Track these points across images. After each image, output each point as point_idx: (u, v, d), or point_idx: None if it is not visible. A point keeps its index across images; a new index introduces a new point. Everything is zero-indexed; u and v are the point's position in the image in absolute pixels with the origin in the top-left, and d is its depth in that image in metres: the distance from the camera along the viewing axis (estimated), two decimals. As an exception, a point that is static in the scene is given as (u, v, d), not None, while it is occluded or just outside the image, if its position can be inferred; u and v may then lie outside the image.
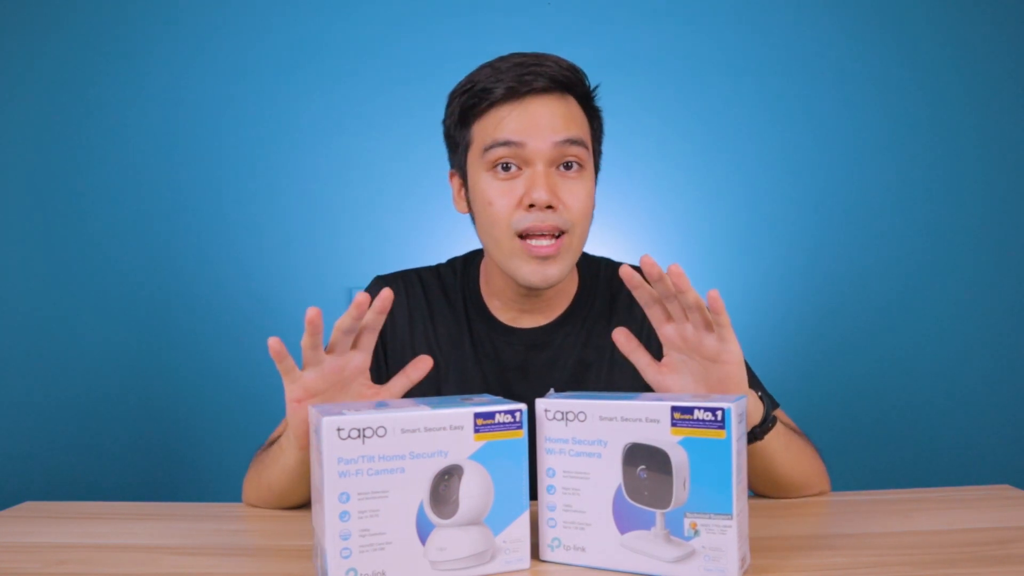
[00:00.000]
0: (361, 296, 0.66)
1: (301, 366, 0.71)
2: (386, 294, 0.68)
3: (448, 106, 0.91)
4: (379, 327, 0.71)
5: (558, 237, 0.85)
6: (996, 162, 1.96)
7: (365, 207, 2.00)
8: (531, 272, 0.85)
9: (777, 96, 1.97)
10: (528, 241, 0.84)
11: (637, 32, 1.98)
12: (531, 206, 0.83)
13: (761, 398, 0.75)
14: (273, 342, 0.67)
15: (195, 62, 1.99)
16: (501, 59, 0.86)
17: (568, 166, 0.85)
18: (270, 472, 0.83)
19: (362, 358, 0.73)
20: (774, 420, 0.76)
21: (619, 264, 1.01)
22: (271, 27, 2.00)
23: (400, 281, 1.00)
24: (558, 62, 0.86)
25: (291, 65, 1.99)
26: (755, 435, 0.75)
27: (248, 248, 1.99)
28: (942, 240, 1.96)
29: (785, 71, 1.97)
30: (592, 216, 0.90)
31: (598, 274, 1.00)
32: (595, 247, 1.05)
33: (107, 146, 1.99)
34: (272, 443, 0.90)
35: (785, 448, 0.81)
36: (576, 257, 0.89)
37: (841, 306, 1.97)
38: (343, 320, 0.68)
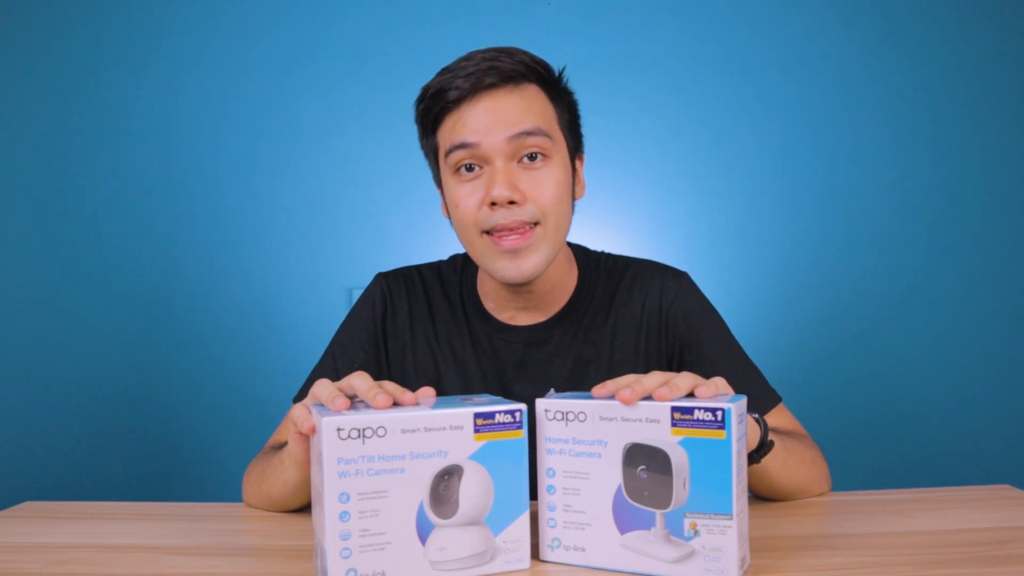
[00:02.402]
0: (307, 429, 0.63)
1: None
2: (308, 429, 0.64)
3: (414, 117, 0.91)
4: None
5: (530, 229, 0.84)
6: (996, 162, 1.96)
7: (365, 207, 2.00)
8: (505, 267, 0.85)
9: (777, 96, 1.97)
10: (496, 236, 0.84)
11: (637, 32, 1.98)
12: (494, 204, 0.83)
13: (757, 420, 0.74)
14: (308, 429, 0.63)
15: (195, 62, 1.99)
16: (459, 59, 0.85)
17: (532, 157, 0.84)
18: (271, 483, 0.83)
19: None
20: (771, 445, 0.75)
21: (619, 257, 1.01)
22: (271, 27, 2.00)
23: (401, 279, 1.00)
24: (511, 55, 0.84)
25: (291, 65, 1.99)
26: (752, 459, 0.75)
27: (248, 248, 1.99)
28: (942, 241, 1.96)
29: (785, 71, 1.97)
30: (569, 204, 0.88)
31: (597, 268, 0.98)
32: (593, 246, 1.05)
33: (107, 146, 1.99)
34: (272, 448, 0.90)
35: (782, 465, 0.80)
36: (555, 248, 0.87)
37: (841, 306, 1.97)
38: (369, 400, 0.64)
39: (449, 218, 0.92)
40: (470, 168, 0.85)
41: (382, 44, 1.99)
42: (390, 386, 0.65)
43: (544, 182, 0.84)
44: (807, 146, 1.98)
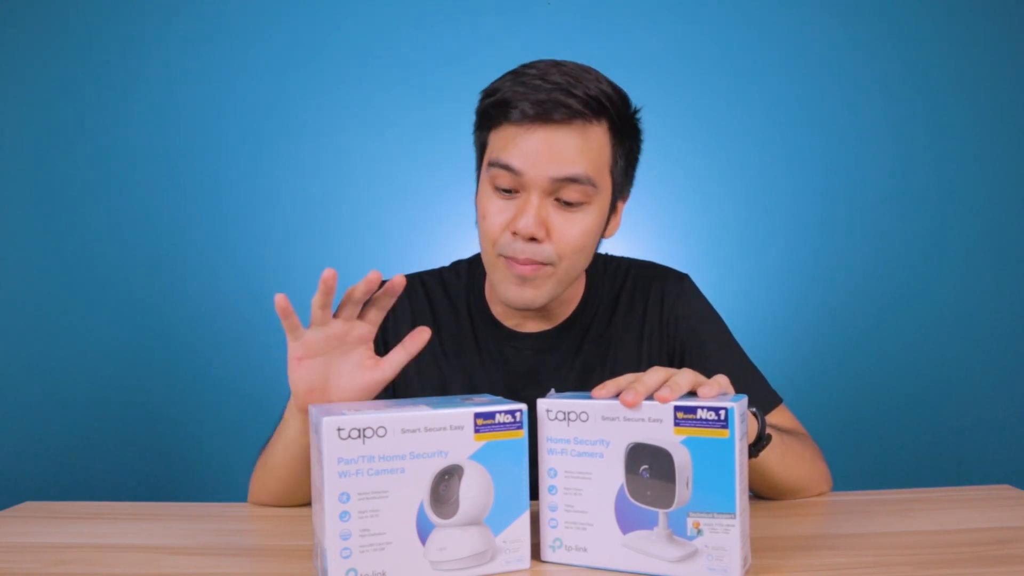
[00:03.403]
0: (374, 274, 0.68)
1: (307, 325, 0.72)
2: (398, 280, 0.71)
3: (476, 106, 0.88)
4: (387, 307, 0.74)
5: (541, 267, 0.83)
6: (996, 162, 1.96)
7: (365, 207, 2.00)
8: (509, 291, 0.84)
9: (777, 96, 1.97)
10: (509, 259, 0.83)
11: (637, 32, 1.98)
12: (516, 233, 0.82)
13: (755, 414, 0.75)
14: (279, 299, 0.69)
15: (195, 62, 1.99)
16: (536, 70, 0.81)
17: (571, 203, 0.82)
18: (274, 455, 0.82)
19: (368, 329, 0.74)
20: (769, 438, 0.76)
21: (621, 259, 1.01)
22: (271, 27, 2.00)
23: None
24: (589, 85, 0.80)
25: (291, 65, 1.99)
26: (749, 453, 0.75)
27: (248, 248, 1.99)
28: (942, 240, 1.96)
29: (785, 71, 1.97)
30: (591, 249, 0.87)
31: (603, 273, 0.98)
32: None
33: (106, 146, 1.99)
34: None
35: (780, 461, 0.81)
36: (562, 287, 0.86)
37: (841, 306, 1.97)
38: (355, 289, 0.70)
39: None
40: (508, 190, 0.83)
41: (382, 44, 1.99)
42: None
43: (572, 228, 0.83)
44: (808, 146, 1.98)
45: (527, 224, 0.80)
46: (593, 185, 0.82)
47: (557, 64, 0.82)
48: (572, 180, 0.81)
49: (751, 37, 1.98)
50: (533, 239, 0.81)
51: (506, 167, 0.81)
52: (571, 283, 0.88)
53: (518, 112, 0.80)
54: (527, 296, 0.84)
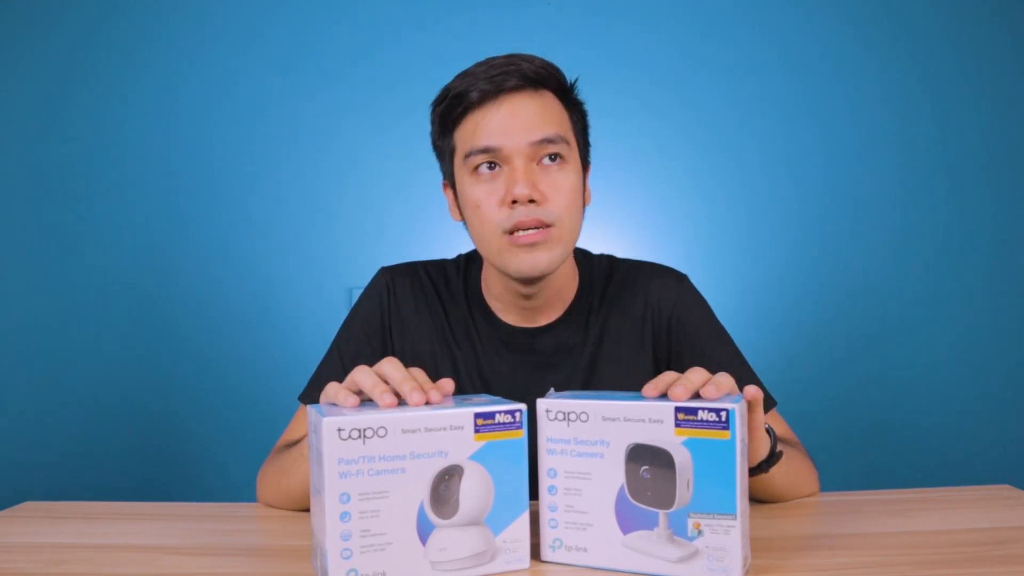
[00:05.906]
0: (417, 399, 0.64)
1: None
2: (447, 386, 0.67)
3: (430, 117, 0.92)
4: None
5: (545, 229, 0.84)
6: (999, 162, 1.96)
7: (365, 207, 2.00)
8: (521, 261, 0.85)
9: (778, 96, 1.97)
10: (514, 236, 0.84)
11: (637, 32, 1.98)
12: (514, 202, 0.83)
13: (767, 432, 0.75)
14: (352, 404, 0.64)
15: (194, 62, 1.99)
16: (475, 64, 0.86)
17: (552, 158, 0.85)
18: (290, 479, 0.83)
19: None
20: (780, 455, 0.76)
21: (621, 260, 1.01)
22: (271, 27, 2.00)
23: (407, 274, 1.00)
24: (531, 60, 0.86)
25: (291, 65, 1.99)
26: (761, 468, 0.75)
27: (248, 248, 1.99)
28: (942, 241, 1.96)
29: (786, 71, 1.97)
30: (581, 209, 0.89)
31: (600, 270, 0.99)
32: (595, 246, 1.05)
33: (106, 146, 1.99)
34: (286, 446, 0.90)
35: (784, 473, 0.82)
36: (567, 250, 0.87)
37: (842, 307, 1.97)
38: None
39: (460, 219, 0.92)
40: (491, 166, 0.85)
41: (382, 44, 1.99)
42: (420, 375, 0.66)
43: (561, 184, 0.85)
44: (808, 146, 1.98)
45: (522, 189, 0.82)
46: (566, 142, 0.86)
47: (489, 57, 0.86)
48: (549, 140, 0.84)
49: (751, 37, 1.98)
50: (532, 201, 0.83)
51: (484, 150, 0.84)
52: (572, 248, 0.89)
53: (476, 92, 0.84)
54: (541, 261, 0.85)
